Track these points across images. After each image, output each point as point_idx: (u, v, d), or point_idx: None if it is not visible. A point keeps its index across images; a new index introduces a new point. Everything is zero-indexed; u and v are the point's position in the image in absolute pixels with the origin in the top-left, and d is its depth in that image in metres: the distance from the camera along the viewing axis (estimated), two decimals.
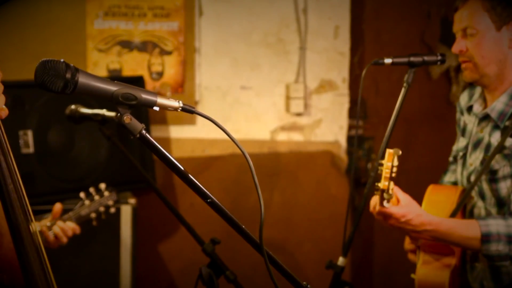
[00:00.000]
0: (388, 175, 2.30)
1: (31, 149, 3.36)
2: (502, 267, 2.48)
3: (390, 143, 2.62)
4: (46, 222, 2.67)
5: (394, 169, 2.33)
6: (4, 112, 1.48)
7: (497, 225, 2.39)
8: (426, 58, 2.58)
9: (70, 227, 2.67)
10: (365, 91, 4.19)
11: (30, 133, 3.36)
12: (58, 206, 2.70)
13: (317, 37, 4.11)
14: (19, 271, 1.53)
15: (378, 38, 4.27)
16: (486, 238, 2.38)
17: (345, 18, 4.13)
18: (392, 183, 2.33)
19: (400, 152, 2.33)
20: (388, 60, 2.59)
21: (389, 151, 2.31)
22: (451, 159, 2.85)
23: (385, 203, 2.36)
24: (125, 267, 3.51)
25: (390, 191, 2.32)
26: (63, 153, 3.49)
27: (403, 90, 2.60)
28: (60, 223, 2.66)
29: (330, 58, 4.14)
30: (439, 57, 2.56)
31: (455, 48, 2.52)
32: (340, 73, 4.16)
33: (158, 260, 4.04)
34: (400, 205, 2.43)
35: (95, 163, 3.57)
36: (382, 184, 2.30)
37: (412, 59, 2.59)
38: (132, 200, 3.55)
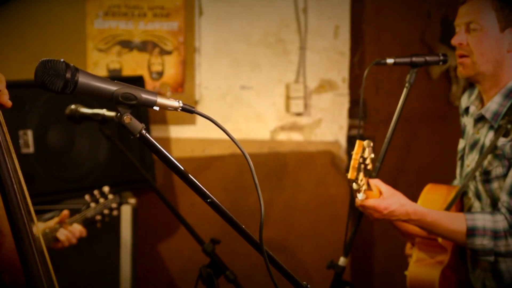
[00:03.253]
0: (356, 165, 2.24)
1: (31, 149, 3.36)
2: (502, 265, 2.48)
3: (391, 143, 2.62)
4: (53, 223, 2.70)
5: (368, 161, 2.31)
6: (6, 98, 1.49)
7: (483, 219, 2.40)
8: (428, 58, 2.58)
9: (78, 229, 2.72)
10: (365, 91, 4.19)
11: (30, 133, 3.36)
12: (65, 213, 2.74)
13: (317, 37, 4.11)
14: (21, 271, 1.52)
15: (378, 38, 4.27)
16: (471, 232, 2.40)
17: (345, 18, 4.13)
18: (362, 174, 2.28)
19: (372, 144, 2.30)
20: (390, 60, 2.59)
21: (358, 142, 2.27)
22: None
23: (359, 195, 2.33)
24: (125, 267, 3.51)
25: (360, 182, 2.28)
26: (63, 153, 3.49)
27: (405, 90, 2.60)
28: (67, 226, 2.71)
29: (330, 58, 4.14)
30: (441, 57, 2.55)
31: (455, 40, 2.52)
32: (340, 73, 4.16)
33: (158, 260, 4.04)
34: (382, 197, 2.43)
35: (95, 163, 3.57)
36: (350, 174, 2.24)
37: (414, 59, 2.58)
38: (132, 200, 3.55)
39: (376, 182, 2.46)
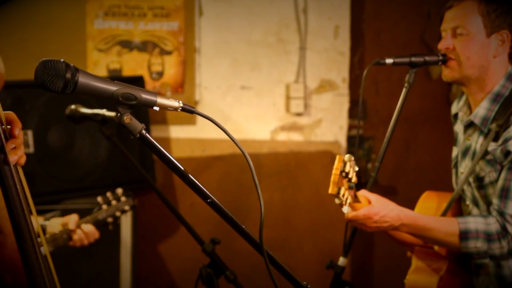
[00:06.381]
0: (336, 180, 2.24)
1: (31, 149, 3.36)
2: (505, 270, 2.48)
3: (391, 143, 2.62)
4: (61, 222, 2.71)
5: (351, 175, 2.28)
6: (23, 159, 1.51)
7: (476, 222, 2.40)
8: (427, 58, 2.58)
9: (92, 230, 2.75)
10: (365, 91, 4.19)
11: (30, 133, 3.36)
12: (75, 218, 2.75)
13: (317, 37, 4.11)
14: (23, 271, 1.52)
15: (378, 38, 4.27)
16: (464, 235, 2.39)
17: (345, 18, 4.13)
18: (343, 189, 2.27)
19: (353, 158, 2.28)
20: (389, 60, 2.59)
21: (338, 157, 2.26)
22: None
23: (343, 209, 2.33)
24: (125, 267, 3.51)
25: (342, 197, 2.28)
26: (63, 153, 3.49)
27: (404, 90, 2.60)
28: (83, 226, 2.73)
29: (330, 58, 4.14)
30: (440, 57, 2.55)
31: (442, 45, 2.53)
32: (340, 73, 4.16)
33: (158, 260, 4.04)
34: (371, 205, 2.43)
35: (95, 163, 3.57)
36: (331, 189, 2.24)
37: (413, 59, 2.58)
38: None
39: (364, 193, 2.47)
